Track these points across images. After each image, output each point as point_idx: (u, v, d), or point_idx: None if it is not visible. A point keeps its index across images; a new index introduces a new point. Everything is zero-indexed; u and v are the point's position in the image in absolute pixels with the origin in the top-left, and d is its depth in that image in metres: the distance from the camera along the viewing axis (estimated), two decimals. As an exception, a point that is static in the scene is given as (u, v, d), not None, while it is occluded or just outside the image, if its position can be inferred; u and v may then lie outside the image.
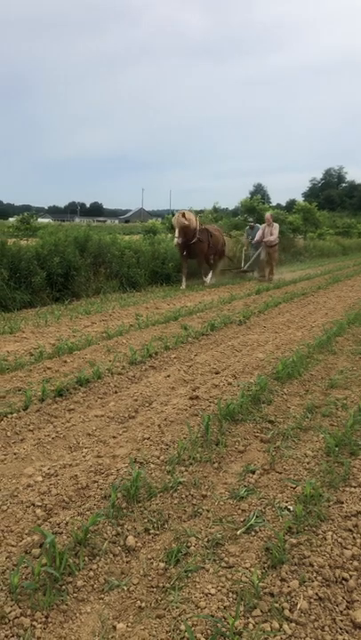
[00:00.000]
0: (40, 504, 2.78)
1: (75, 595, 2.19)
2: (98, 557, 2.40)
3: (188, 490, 3.03)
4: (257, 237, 14.60)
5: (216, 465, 3.36)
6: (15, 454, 3.39)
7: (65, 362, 5.32)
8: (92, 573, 2.29)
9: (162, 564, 2.40)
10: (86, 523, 2.55)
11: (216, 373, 5.20)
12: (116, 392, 4.62)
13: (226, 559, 2.46)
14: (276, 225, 14.61)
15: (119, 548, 2.50)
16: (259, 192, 41.43)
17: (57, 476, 3.12)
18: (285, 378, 4.99)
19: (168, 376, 5.04)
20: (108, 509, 2.71)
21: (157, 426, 3.81)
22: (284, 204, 48.67)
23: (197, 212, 20.63)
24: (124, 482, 2.97)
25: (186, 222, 12.16)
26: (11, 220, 22.10)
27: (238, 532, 2.66)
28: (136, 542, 2.55)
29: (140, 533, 2.63)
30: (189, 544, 2.55)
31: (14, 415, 3.90)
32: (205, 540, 2.60)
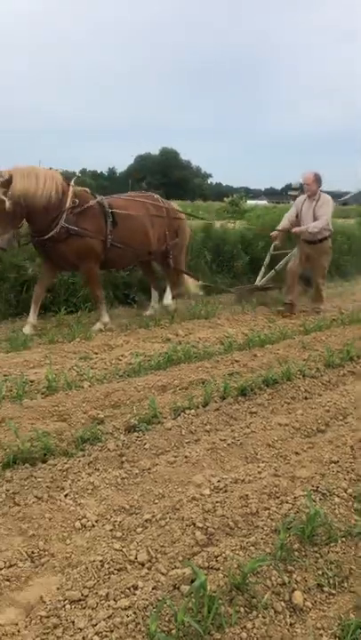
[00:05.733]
0: (201, 525, 2.46)
1: (220, 660, 1.82)
2: (255, 612, 1.99)
3: (379, 540, 2.46)
4: (283, 223, 7.50)
5: None
6: (186, 457, 3.13)
7: (255, 356, 4.96)
8: (244, 634, 1.89)
9: (333, 642, 1.91)
10: (248, 561, 2.16)
11: None
12: (305, 398, 4.12)
13: None
14: (325, 198, 7.07)
15: (283, 603, 2.06)
16: None
17: (226, 491, 2.78)
18: None
19: (370, 385, 4.36)
20: (275, 550, 2.28)
21: (350, 447, 3.24)
22: None
23: None
24: (299, 515, 2.51)
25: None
26: (226, 200, 22.32)
27: None
28: (304, 600, 2.09)
29: (310, 589, 2.16)
30: (373, 619, 2.01)
31: (192, 412, 3.66)
32: (395, 617, 2.03)
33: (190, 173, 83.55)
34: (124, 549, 2.30)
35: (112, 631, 1.84)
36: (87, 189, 6.12)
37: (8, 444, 3.04)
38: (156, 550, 2.31)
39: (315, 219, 6.96)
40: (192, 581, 2.05)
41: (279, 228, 7.60)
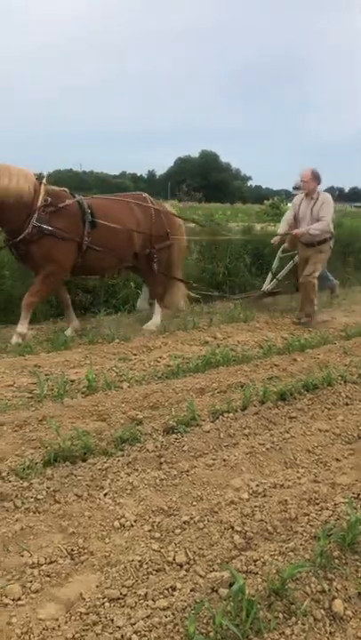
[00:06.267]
0: (240, 529, 2.46)
1: (258, 666, 1.81)
2: (295, 618, 1.97)
3: None
4: (282, 226, 7.07)
5: None
6: (224, 461, 3.13)
7: (294, 360, 4.92)
8: (283, 640, 1.88)
9: (374, 652, 1.87)
10: (287, 567, 2.14)
11: None
12: (346, 404, 4.05)
13: None
14: (325, 198, 6.55)
15: (322, 611, 2.03)
16: None
17: (265, 496, 2.77)
18: None
19: None
20: (315, 557, 2.25)
21: (392, 455, 3.18)
22: None
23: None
24: (339, 522, 2.47)
25: None
26: (266, 203, 22.12)
27: None
28: (345, 609, 2.05)
29: (351, 597, 2.12)
30: None
31: (230, 415, 3.65)
32: None
33: (230, 176, 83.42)
34: (162, 550, 2.32)
35: (150, 631, 1.85)
36: (66, 189, 5.82)
37: (49, 442, 3.10)
38: (195, 552, 2.31)
39: (313, 219, 6.46)
40: (230, 585, 2.05)
41: (279, 232, 7.15)
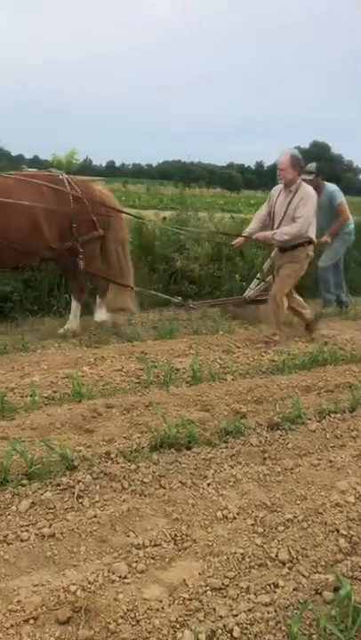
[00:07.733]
0: (345, 533, 2.39)
1: (363, 674, 1.76)
2: None
3: None
4: (251, 224, 5.63)
5: None
6: (330, 462, 3.05)
7: None
8: (389, 652, 1.81)
9: None
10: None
11: None
12: None
13: None
14: (306, 192, 5.06)
15: None
16: None
17: (372, 501, 2.67)
18: None
19: None
20: None
21: None
22: None
23: None
24: None
25: None
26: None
27: None
28: None
29: None
30: None
31: (338, 416, 3.55)
32: None
33: (342, 168, 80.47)
34: (265, 546, 2.30)
35: (252, 624, 1.85)
36: None
37: (155, 428, 3.17)
38: (298, 551, 2.27)
39: (288, 217, 5.10)
40: (335, 589, 2.01)
41: (245, 232, 5.69)
